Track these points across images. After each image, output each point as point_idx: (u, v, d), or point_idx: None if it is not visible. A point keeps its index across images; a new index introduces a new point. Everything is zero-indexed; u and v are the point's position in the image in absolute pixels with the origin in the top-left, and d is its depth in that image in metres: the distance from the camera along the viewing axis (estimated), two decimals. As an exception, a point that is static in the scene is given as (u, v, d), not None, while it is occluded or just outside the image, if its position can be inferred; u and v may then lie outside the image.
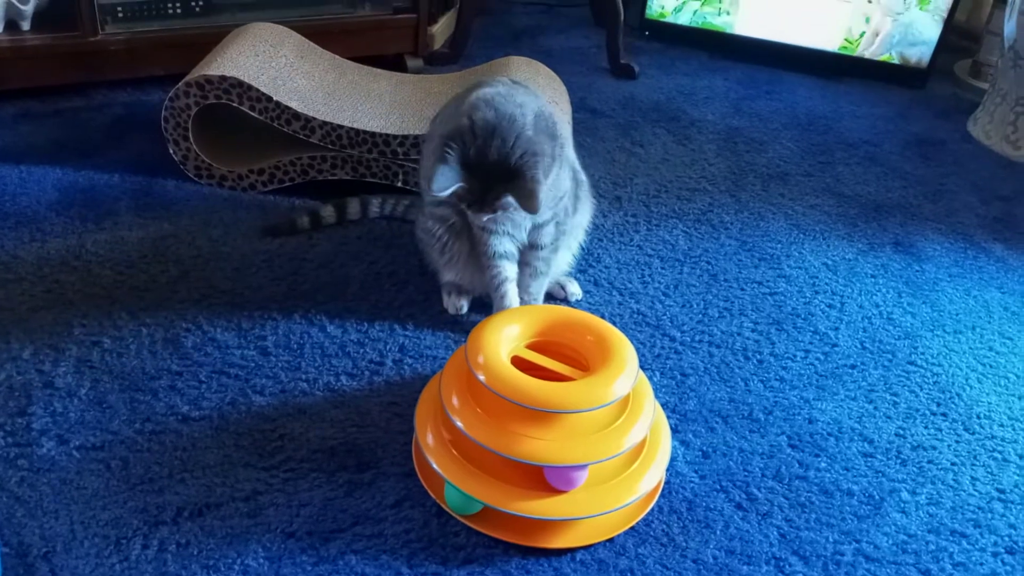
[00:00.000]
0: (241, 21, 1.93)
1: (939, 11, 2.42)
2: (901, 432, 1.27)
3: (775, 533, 1.09)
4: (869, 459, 1.22)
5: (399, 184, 1.68)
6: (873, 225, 1.81)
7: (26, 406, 1.18)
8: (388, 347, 1.34)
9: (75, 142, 1.84)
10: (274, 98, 1.62)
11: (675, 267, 1.61)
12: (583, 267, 1.56)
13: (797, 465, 1.20)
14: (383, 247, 1.57)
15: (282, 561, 1.00)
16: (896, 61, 2.51)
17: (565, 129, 1.49)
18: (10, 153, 1.77)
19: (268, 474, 1.11)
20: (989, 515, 1.15)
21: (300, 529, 1.04)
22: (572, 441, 1.01)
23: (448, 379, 1.09)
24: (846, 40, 2.53)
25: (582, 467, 1.01)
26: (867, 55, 2.53)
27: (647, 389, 1.11)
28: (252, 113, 1.64)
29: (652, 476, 1.07)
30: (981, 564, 1.08)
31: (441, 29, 2.49)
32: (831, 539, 1.09)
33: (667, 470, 1.14)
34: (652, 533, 1.08)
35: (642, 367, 1.19)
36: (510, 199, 1.17)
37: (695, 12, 2.64)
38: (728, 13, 2.61)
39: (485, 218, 1.25)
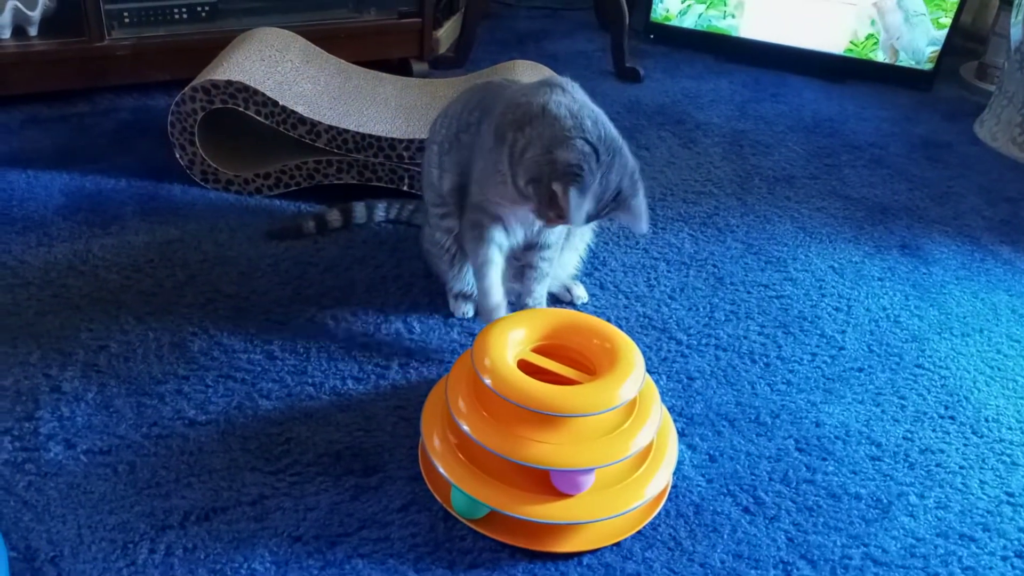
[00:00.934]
0: (247, 26, 1.94)
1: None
2: (909, 435, 1.27)
3: (783, 537, 1.09)
4: (877, 462, 1.21)
5: (405, 188, 1.68)
6: (880, 228, 1.80)
7: (33, 410, 1.18)
8: (394, 351, 1.34)
9: (82, 147, 1.85)
10: (280, 102, 1.63)
11: (681, 270, 1.60)
12: (589, 270, 1.56)
13: (804, 469, 1.19)
14: (389, 251, 1.57)
15: (289, 565, 1.00)
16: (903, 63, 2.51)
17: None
18: (17, 158, 1.78)
19: (275, 478, 1.11)
20: (998, 519, 1.14)
21: (307, 533, 1.04)
22: (579, 445, 1.01)
23: (454, 383, 1.09)
24: (851, 43, 2.53)
25: (589, 471, 1.01)
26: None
27: (654, 393, 1.11)
28: (258, 118, 1.65)
29: (659, 480, 1.07)
30: (990, 568, 1.07)
31: (446, 33, 2.50)
32: (839, 543, 1.09)
33: (674, 474, 1.14)
34: (659, 537, 1.07)
35: (648, 371, 1.19)
36: (620, 217, 1.18)
37: (700, 15, 2.64)
38: (733, 16, 2.61)
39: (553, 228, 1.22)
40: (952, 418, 1.31)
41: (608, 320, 1.39)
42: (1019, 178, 2.07)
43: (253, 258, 1.52)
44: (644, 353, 1.11)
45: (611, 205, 1.16)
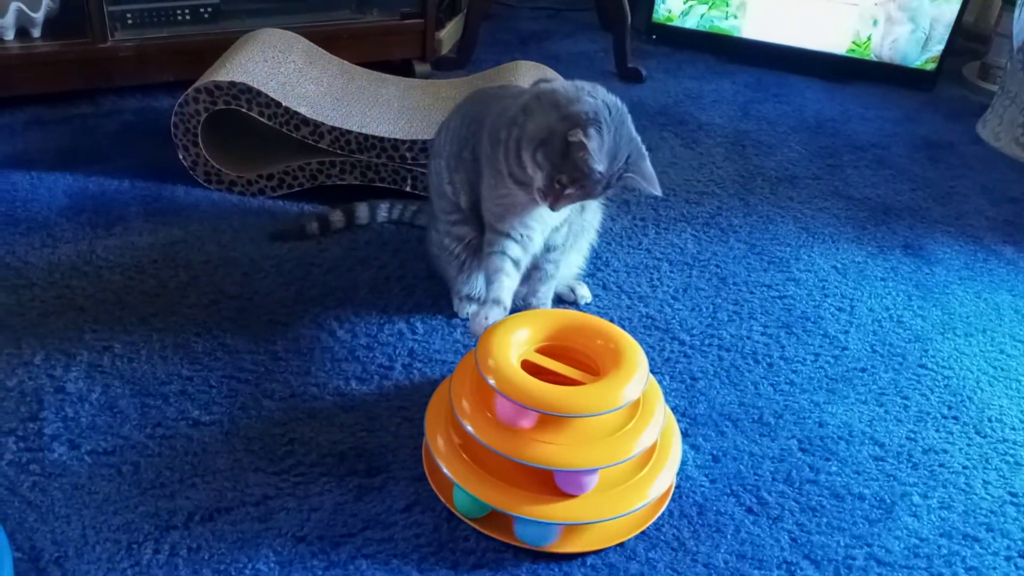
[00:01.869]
0: (250, 27, 1.94)
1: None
2: (912, 436, 1.27)
3: (786, 537, 1.09)
4: (880, 463, 1.21)
5: (408, 189, 1.68)
6: (882, 228, 1.80)
7: (38, 411, 1.18)
8: (398, 351, 1.34)
9: (85, 148, 1.85)
10: (283, 103, 1.63)
11: (684, 271, 1.60)
12: (592, 271, 1.56)
13: (808, 469, 1.19)
14: (392, 251, 1.57)
15: (293, 565, 1.00)
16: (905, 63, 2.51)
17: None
18: (21, 159, 1.78)
19: (279, 478, 1.11)
20: (1002, 519, 1.14)
21: (311, 533, 1.04)
22: (583, 445, 1.01)
23: (458, 383, 1.09)
24: (854, 43, 2.53)
25: (592, 471, 1.01)
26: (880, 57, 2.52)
27: (657, 393, 1.11)
28: (261, 119, 1.65)
29: (663, 480, 1.07)
30: (994, 568, 1.07)
31: (448, 34, 2.50)
32: (842, 543, 1.09)
33: (677, 474, 1.14)
34: (663, 537, 1.07)
35: (652, 371, 1.19)
36: (634, 182, 1.17)
37: (702, 16, 2.64)
38: (735, 17, 2.61)
39: (563, 207, 1.19)
40: (955, 418, 1.31)
41: (611, 320, 1.39)
42: (1022, 178, 2.07)
43: (256, 259, 1.52)
44: (647, 353, 1.11)
45: (622, 169, 1.16)
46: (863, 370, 1.39)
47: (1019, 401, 1.35)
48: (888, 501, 1.15)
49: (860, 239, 1.76)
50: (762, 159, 2.05)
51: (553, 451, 1.00)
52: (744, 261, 1.65)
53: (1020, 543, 1.11)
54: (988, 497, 1.17)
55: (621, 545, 1.06)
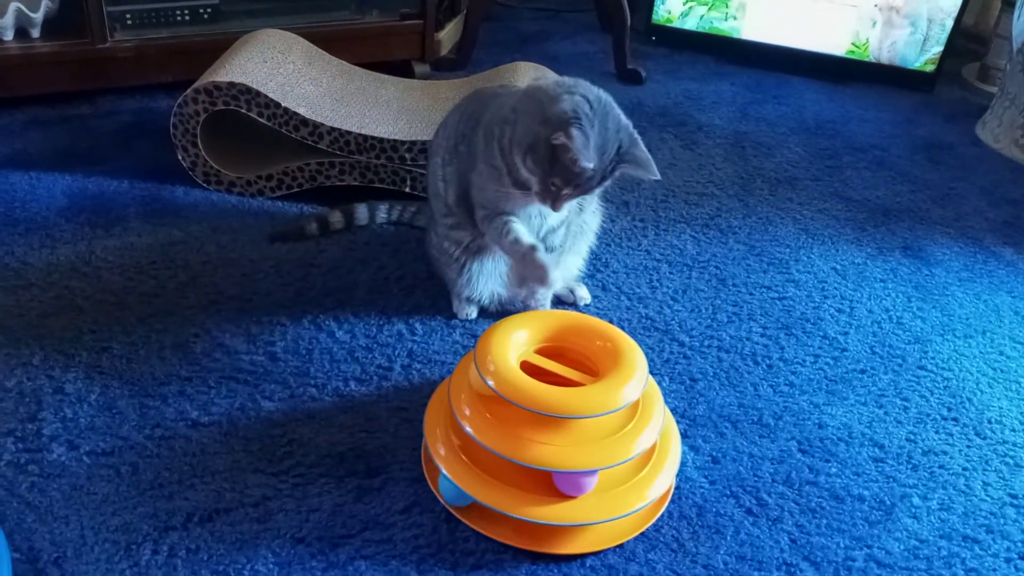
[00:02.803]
0: (249, 28, 1.94)
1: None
2: (912, 437, 1.27)
3: (786, 539, 1.09)
4: (880, 464, 1.21)
5: (407, 190, 1.68)
6: (882, 229, 1.80)
7: (36, 412, 1.18)
8: (397, 352, 1.34)
9: (84, 149, 1.85)
10: (282, 104, 1.63)
11: (683, 272, 1.60)
12: (591, 272, 1.56)
13: (807, 470, 1.19)
14: (391, 252, 1.57)
15: (292, 567, 1.00)
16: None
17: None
18: (20, 160, 1.78)
19: (277, 479, 1.11)
20: (1002, 520, 1.14)
21: (310, 534, 1.04)
22: (582, 446, 1.01)
23: (457, 384, 1.09)
24: (853, 44, 2.53)
25: (592, 472, 1.01)
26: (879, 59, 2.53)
27: (657, 394, 1.11)
28: (260, 119, 1.65)
29: (662, 482, 1.07)
30: (994, 570, 1.07)
31: (448, 35, 2.50)
32: (842, 545, 1.09)
33: (677, 476, 1.14)
34: (662, 539, 1.07)
35: (651, 372, 1.19)
36: (630, 170, 1.17)
37: (702, 17, 2.64)
38: (735, 18, 2.61)
39: (563, 206, 1.18)
40: (955, 420, 1.31)
41: (611, 322, 1.39)
42: (1021, 180, 2.07)
43: (255, 259, 1.52)
44: (647, 355, 1.11)
45: (615, 159, 1.16)
46: (863, 371, 1.39)
47: (1019, 403, 1.35)
48: (888, 503, 1.15)
49: (860, 240, 1.76)
50: (761, 160, 2.05)
51: (552, 452, 0.99)
52: (743, 262, 1.65)
53: (1020, 545, 1.10)
54: (988, 499, 1.17)
55: (620, 546, 1.05)
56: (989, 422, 1.31)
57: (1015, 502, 1.17)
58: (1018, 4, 2.18)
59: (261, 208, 1.68)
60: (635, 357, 1.07)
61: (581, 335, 1.12)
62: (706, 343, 1.42)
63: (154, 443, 1.15)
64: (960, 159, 2.16)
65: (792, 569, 1.05)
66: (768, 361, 1.39)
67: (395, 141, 1.64)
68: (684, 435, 1.23)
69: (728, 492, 1.15)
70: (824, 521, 1.12)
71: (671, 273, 1.60)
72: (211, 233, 1.58)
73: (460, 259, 1.35)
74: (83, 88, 2.02)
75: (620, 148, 1.16)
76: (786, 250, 1.70)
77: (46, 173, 1.74)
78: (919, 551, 1.09)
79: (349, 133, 1.64)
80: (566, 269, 1.44)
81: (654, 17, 2.70)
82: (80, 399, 1.20)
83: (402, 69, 2.27)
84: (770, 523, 1.11)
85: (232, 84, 1.62)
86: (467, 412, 1.05)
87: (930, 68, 2.49)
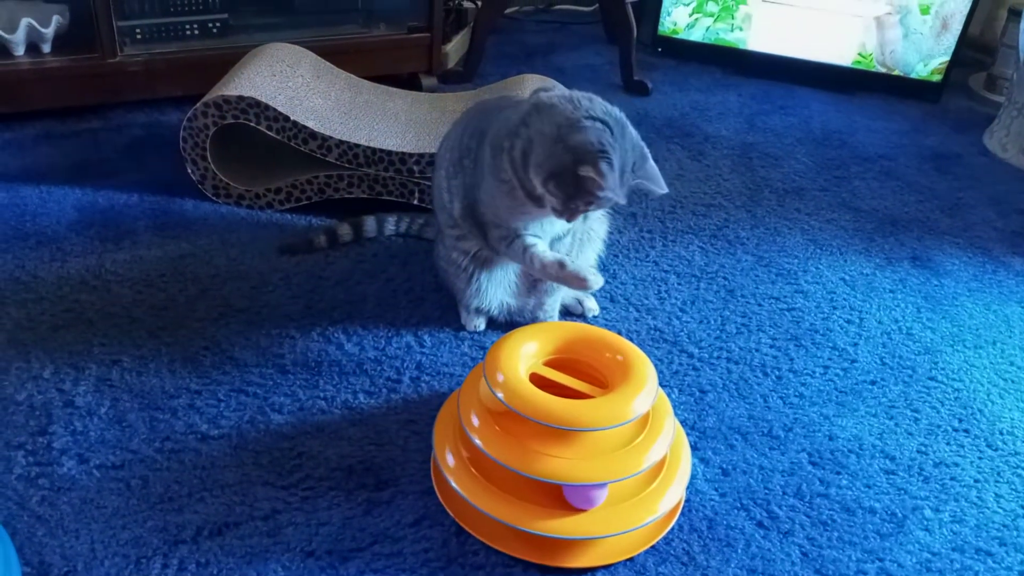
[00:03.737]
0: (258, 42, 1.95)
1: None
2: (923, 449, 1.26)
3: (797, 552, 1.08)
4: (891, 476, 1.21)
5: (415, 202, 1.68)
6: (890, 239, 1.80)
7: (47, 425, 1.18)
8: (405, 364, 1.34)
9: (94, 162, 1.86)
10: (291, 118, 1.64)
11: (692, 283, 1.60)
12: (599, 283, 1.56)
13: (818, 482, 1.19)
14: (399, 265, 1.58)
15: (301, 580, 1.00)
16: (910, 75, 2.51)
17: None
18: (31, 174, 1.79)
19: (287, 492, 1.11)
20: (1015, 533, 1.13)
21: (319, 548, 1.04)
22: (592, 459, 1.01)
23: (466, 397, 1.09)
24: (860, 55, 2.53)
25: (602, 486, 1.01)
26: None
27: (667, 406, 1.11)
28: (269, 133, 1.66)
29: (672, 494, 1.06)
30: (1007, 583, 1.06)
31: (455, 48, 2.51)
32: (854, 557, 1.08)
33: (687, 488, 1.14)
34: (673, 552, 1.07)
35: (660, 384, 1.19)
36: (643, 185, 1.19)
37: (708, 28, 2.65)
38: (741, 29, 2.61)
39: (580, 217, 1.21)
40: (966, 431, 1.30)
41: (619, 333, 1.39)
42: (1030, 189, 2.07)
43: (264, 272, 1.53)
44: (656, 366, 1.11)
45: (631, 177, 1.17)
46: (873, 383, 1.38)
47: (1030, 414, 1.34)
48: (899, 515, 1.14)
49: (868, 251, 1.75)
50: (769, 171, 2.05)
51: (562, 465, 0.99)
52: (752, 273, 1.65)
53: (1033, 557, 1.10)
54: (1000, 511, 1.16)
55: (631, 560, 1.05)
56: (1001, 433, 1.30)
57: (1028, 514, 1.16)
58: (1025, 14, 2.18)
59: (270, 221, 1.69)
60: (644, 369, 1.07)
61: (590, 347, 1.12)
62: (715, 354, 1.42)
63: (164, 456, 1.15)
64: (968, 169, 2.15)
65: (804, 582, 1.04)
66: (778, 372, 1.39)
67: (403, 154, 1.64)
68: (694, 447, 1.22)
69: (739, 505, 1.14)
70: (835, 534, 1.11)
71: (679, 284, 1.60)
72: (220, 246, 1.59)
73: (468, 269, 1.35)
74: (93, 102, 2.04)
75: (634, 165, 1.17)
76: (794, 261, 1.70)
77: (56, 187, 1.75)
78: (931, 564, 1.08)
79: (358, 146, 1.64)
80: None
81: (660, 29, 2.71)
82: (90, 412, 1.21)
83: (410, 82, 2.28)
84: (781, 536, 1.10)
85: (241, 98, 1.62)
86: (476, 424, 1.05)
87: (937, 78, 2.49)
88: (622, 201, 1.17)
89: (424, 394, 1.29)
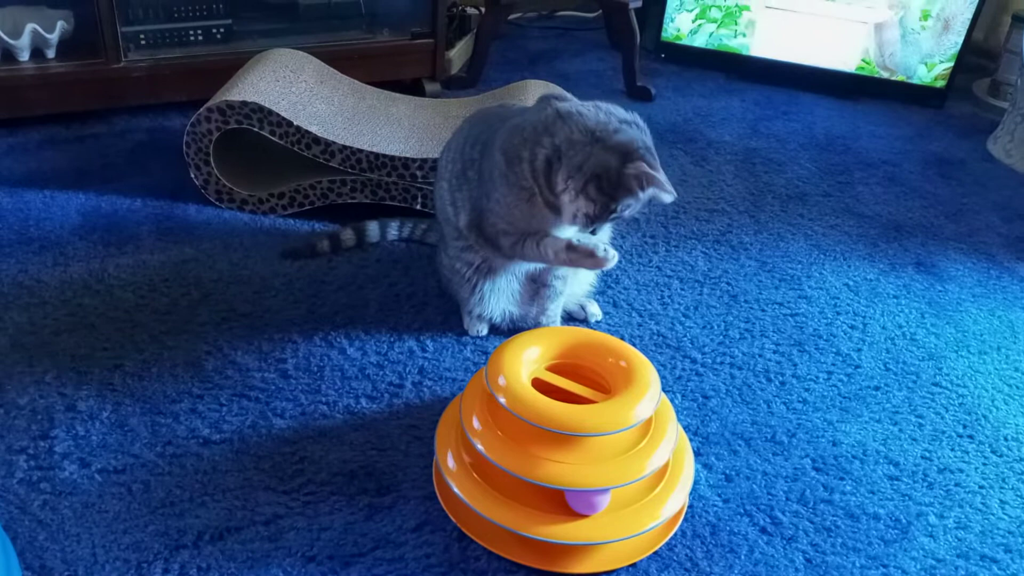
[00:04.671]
0: (261, 47, 1.96)
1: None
2: (927, 455, 1.25)
3: (800, 558, 1.08)
4: (895, 482, 1.20)
5: (418, 207, 1.68)
6: (894, 245, 1.80)
7: (48, 429, 1.18)
8: (408, 369, 1.34)
9: (98, 167, 1.86)
10: (294, 123, 1.64)
11: (695, 288, 1.60)
12: (602, 288, 1.56)
13: (822, 488, 1.18)
14: (402, 270, 1.58)
15: (303, 586, 1.00)
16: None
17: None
18: (35, 178, 1.80)
19: (288, 497, 1.10)
20: (1020, 539, 1.12)
21: (321, 553, 1.03)
22: (594, 465, 1.00)
23: (468, 402, 1.09)
24: (863, 60, 2.53)
25: (604, 491, 1.00)
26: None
27: (669, 412, 1.10)
28: (273, 138, 1.66)
29: (675, 500, 1.06)
30: (1013, 590, 1.06)
31: (458, 54, 2.52)
32: (858, 564, 1.07)
33: (690, 494, 1.13)
34: (675, 558, 1.06)
35: (663, 389, 1.19)
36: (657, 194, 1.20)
37: (711, 34, 2.65)
38: (744, 35, 2.61)
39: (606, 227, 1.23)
40: (971, 437, 1.29)
41: (622, 338, 1.39)
42: (1034, 195, 2.06)
43: (267, 277, 1.53)
44: (659, 372, 1.11)
45: None
46: (876, 388, 1.38)
47: (1035, 420, 1.33)
48: (904, 521, 1.14)
49: (872, 256, 1.75)
50: (772, 176, 2.05)
51: (564, 470, 0.99)
52: (755, 279, 1.64)
53: (1039, 564, 1.09)
54: (1006, 517, 1.16)
55: (633, 566, 1.05)
56: (1005, 439, 1.29)
57: (1033, 521, 1.15)
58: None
59: (273, 226, 1.69)
60: (647, 374, 1.07)
61: (593, 352, 1.12)
62: (718, 360, 1.41)
63: (165, 461, 1.15)
64: (972, 174, 2.15)
65: (807, 589, 1.04)
66: (781, 378, 1.39)
67: (406, 159, 1.64)
68: (697, 453, 1.22)
69: (742, 510, 1.14)
70: (839, 540, 1.10)
71: (682, 289, 1.59)
72: (223, 251, 1.59)
73: (472, 279, 1.35)
74: (97, 107, 2.04)
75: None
76: (798, 266, 1.69)
77: (60, 191, 1.75)
78: (936, 570, 1.07)
79: (361, 151, 1.65)
80: (577, 284, 1.44)
81: (663, 34, 2.71)
82: (92, 417, 1.21)
83: (413, 88, 2.28)
84: (784, 542, 1.10)
85: (244, 103, 1.63)
86: (478, 429, 1.04)
87: (940, 84, 2.49)
88: (669, 197, 1.17)
89: (426, 399, 1.29)
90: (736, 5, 2.58)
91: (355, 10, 2.26)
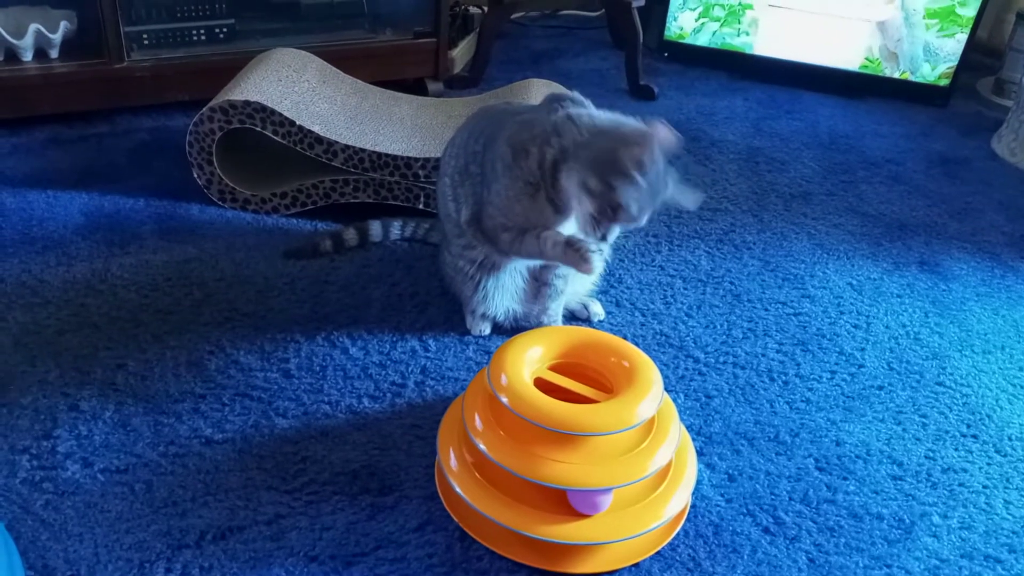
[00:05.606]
0: (264, 47, 1.95)
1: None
2: (931, 454, 1.25)
3: (804, 558, 1.07)
4: (899, 482, 1.20)
5: (420, 206, 1.68)
6: (898, 244, 1.79)
7: (51, 429, 1.18)
8: (410, 369, 1.34)
9: (101, 167, 1.86)
10: (297, 122, 1.64)
11: (698, 287, 1.60)
12: (605, 287, 1.56)
13: (825, 488, 1.18)
14: (404, 269, 1.58)
15: (305, 585, 1.00)
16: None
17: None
18: (38, 178, 1.80)
19: (291, 497, 1.10)
20: (1024, 540, 1.12)
21: (323, 553, 1.03)
22: (596, 464, 1.00)
23: (471, 401, 1.09)
24: (867, 59, 2.53)
25: (606, 491, 1.00)
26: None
27: (672, 411, 1.10)
28: (275, 137, 1.66)
29: (678, 500, 1.06)
30: (1017, 590, 1.05)
31: (461, 53, 2.51)
32: (861, 564, 1.07)
33: (693, 494, 1.13)
34: (678, 558, 1.06)
35: (666, 389, 1.18)
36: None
37: (714, 33, 2.65)
38: (747, 34, 2.61)
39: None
40: (975, 437, 1.29)
41: (625, 338, 1.39)
42: (1039, 194, 2.06)
43: (270, 277, 1.53)
44: (661, 371, 1.10)
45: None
46: (880, 388, 1.38)
47: (1040, 419, 1.33)
48: (907, 521, 1.14)
49: (875, 255, 1.74)
50: (775, 175, 2.05)
51: (566, 470, 0.99)
52: (758, 278, 1.64)
53: (1043, 565, 1.09)
54: (1009, 517, 1.15)
55: (636, 566, 1.04)
56: (1009, 439, 1.29)
57: (1038, 521, 1.15)
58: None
59: (276, 225, 1.69)
60: (650, 374, 1.07)
61: (595, 351, 1.12)
62: (721, 359, 1.41)
63: (168, 460, 1.15)
64: (976, 173, 2.14)
65: (810, 589, 1.03)
66: (784, 377, 1.38)
67: (409, 158, 1.64)
68: (700, 453, 1.22)
69: (745, 510, 1.13)
70: (842, 540, 1.10)
71: (685, 289, 1.59)
72: (226, 250, 1.59)
73: (475, 277, 1.35)
74: (100, 107, 2.05)
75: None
76: (801, 265, 1.69)
77: (63, 191, 1.75)
78: (940, 571, 1.07)
79: (363, 151, 1.65)
80: (580, 284, 1.43)
81: (666, 33, 2.70)
82: (95, 416, 1.21)
83: (416, 87, 2.28)
84: (787, 542, 1.09)
85: (247, 103, 1.63)
86: (481, 429, 1.04)
87: (944, 82, 2.48)
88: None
89: (429, 398, 1.28)
90: (739, 3, 2.58)
91: (358, 9, 2.26)
